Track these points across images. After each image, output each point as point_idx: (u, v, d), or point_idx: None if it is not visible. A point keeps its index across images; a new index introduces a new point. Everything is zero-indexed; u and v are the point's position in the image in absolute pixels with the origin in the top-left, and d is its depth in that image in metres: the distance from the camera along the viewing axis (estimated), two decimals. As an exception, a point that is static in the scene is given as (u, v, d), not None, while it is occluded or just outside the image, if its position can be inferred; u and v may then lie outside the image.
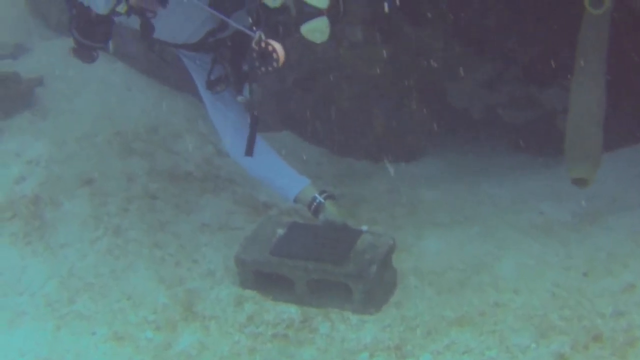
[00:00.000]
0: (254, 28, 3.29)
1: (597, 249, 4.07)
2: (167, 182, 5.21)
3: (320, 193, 4.06)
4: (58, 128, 5.72)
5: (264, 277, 4.03)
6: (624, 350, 3.09)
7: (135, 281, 4.27)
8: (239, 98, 3.68)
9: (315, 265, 3.80)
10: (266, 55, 3.28)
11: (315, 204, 4.05)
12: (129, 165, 5.32)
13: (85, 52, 3.67)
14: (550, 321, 3.49)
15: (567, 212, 4.65)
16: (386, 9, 4.67)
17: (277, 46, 3.24)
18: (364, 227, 4.02)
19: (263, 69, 3.32)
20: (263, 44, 3.24)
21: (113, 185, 5.08)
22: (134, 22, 3.54)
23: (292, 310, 3.89)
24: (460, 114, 6.06)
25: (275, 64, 3.27)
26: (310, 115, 6.06)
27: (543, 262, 4.11)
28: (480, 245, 4.40)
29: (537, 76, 5.70)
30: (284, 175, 4.13)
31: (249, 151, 3.86)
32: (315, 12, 3.32)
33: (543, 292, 3.77)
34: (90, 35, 3.58)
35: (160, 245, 4.58)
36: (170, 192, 5.12)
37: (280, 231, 4.18)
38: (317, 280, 3.84)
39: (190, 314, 3.97)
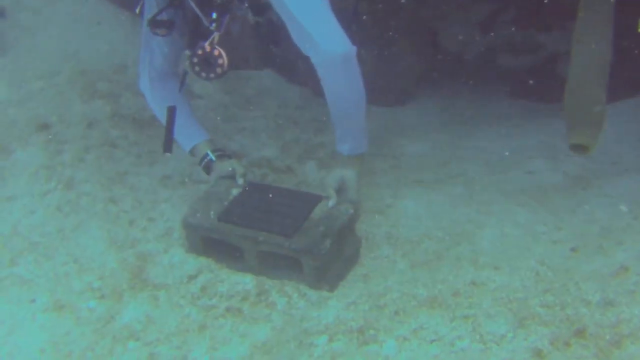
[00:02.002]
0: (214, 25, 3.29)
1: (589, 221, 3.68)
2: (130, 129, 4.83)
3: (214, 151, 3.87)
4: (17, 66, 5.34)
5: (213, 244, 3.69)
6: (608, 351, 2.72)
7: (84, 242, 3.93)
8: (186, 52, 3.41)
9: (265, 236, 3.48)
10: (211, 61, 3.31)
11: (206, 160, 3.89)
12: (90, 109, 4.95)
13: None
14: (530, 307, 3.11)
15: (560, 174, 4.24)
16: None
17: (226, 58, 3.28)
18: (331, 202, 3.58)
19: (204, 74, 3.36)
20: (216, 51, 3.29)
21: (71, 132, 4.72)
22: None
23: (247, 281, 3.51)
24: (453, 57, 5.57)
25: (219, 70, 3.34)
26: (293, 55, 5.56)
27: (529, 232, 3.73)
28: (462, 210, 4.02)
29: (536, 18, 5.16)
30: (184, 127, 3.88)
31: (168, 147, 3.71)
32: None
33: (526, 270, 3.39)
34: None
35: (116, 201, 4.22)
36: (133, 139, 4.75)
37: (235, 192, 3.81)
38: (267, 252, 3.50)
39: (139, 281, 3.63)
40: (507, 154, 4.69)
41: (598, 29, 3.76)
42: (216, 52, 3.30)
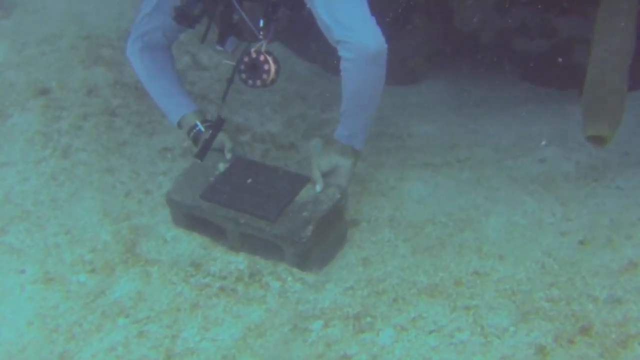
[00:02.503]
0: (262, 33, 3.20)
1: (599, 213, 3.53)
2: (132, 97, 4.68)
3: (203, 122, 3.73)
4: (20, 28, 5.21)
5: (197, 221, 3.61)
6: (614, 351, 2.59)
7: (77, 212, 3.81)
8: (217, 47, 3.32)
9: (247, 219, 3.38)
10: (258, 68, 3.23)
11: (194, 131, 3.75)
12: (91, 75, 4.81)
13: None
14: (534, 301, 2.99)
15: (572, 163, 4.09)
16: None
17: (273, 68, 3.24)
18: (318, 187, 3.44)
19: (250, 82, 3.27)
20: (262, 57, 3.21)
21: (70, 98, 4.59)
22: None
23: (240, 260, 3.43)
24: (468, 38, 5.39)
25: (261, 82, 3.26)
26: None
27: (537, 222, 3.59)
28: (469, 196, 3.88)
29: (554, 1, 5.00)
30: (172, 96, 3.82)
31: (202, 155, 3.57)
32: None
33: (532, 262, 3.26)
34: None
35: (112, 171, 4.11)
36: (134, 109, 4.61)
37: (222, 167, 3.70)
38: (249, 235, 3.39)
39: (131, 255, 3.53)
40: (518, 139, 4.49)
41: (622, 17, 3.60)
42: (262, 58, 3.22)
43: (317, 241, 3.33)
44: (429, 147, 4.51)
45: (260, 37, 3.22)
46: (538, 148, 4.35)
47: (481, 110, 5.17)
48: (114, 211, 3.81)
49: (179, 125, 3.82)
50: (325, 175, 3.43)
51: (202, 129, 3.72)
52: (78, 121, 4.39)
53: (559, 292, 3.01)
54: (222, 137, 3.74)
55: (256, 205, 3.40)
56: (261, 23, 3.20)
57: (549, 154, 4.29)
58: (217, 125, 3.59)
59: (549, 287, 3.06)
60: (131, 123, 4.45)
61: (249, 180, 3.53)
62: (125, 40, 4.96)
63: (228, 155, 3.72)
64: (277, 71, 3.27)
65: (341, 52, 3.18)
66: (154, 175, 4.09)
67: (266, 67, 3.23)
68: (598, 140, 3.40)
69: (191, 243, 3.56)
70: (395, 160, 4.36)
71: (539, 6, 5.26)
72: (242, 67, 3.26)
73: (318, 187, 3.42)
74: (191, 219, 3.62)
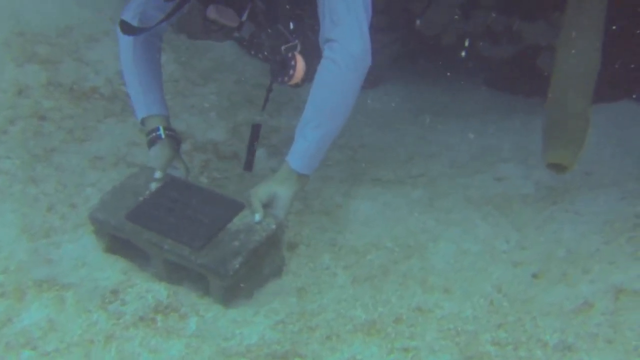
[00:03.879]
0: (294, 35, 3.17)
1: (556, 241, 3.26)
2: (66, 100, 4.35)
3: (166, 129, 3.49)
4: (-49, 21, 4.76)
5: (122, 243, 3.30)
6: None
7: (-7, 227, 3.40)
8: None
9: (171, 245, 3.09)
10: (285, 66, 3.17)
11: (154, 134, 3.50)
12: (23, 74, 4.46)
13: None
14: (480, 344, 2.72)
15: (531, 182, 3.83)
16: None
17: (300, 65, 3.16)
18: (257, 217, 3.17)
19: (279, 79, 3.21)
20: (290, 54, 3.16)
21: (-2, 99, 4.16)
22: None
23: (161, 289, 3.08)
24: (430, 41, 5.09)
25: (286, 79, 3.18)
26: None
27: (489, 250, 3.33)
28: (419, 217, 3.62)
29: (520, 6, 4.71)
30: (148, 92, 3.54)
31: (249, 166, 3.55)
32: None
33: (480, 297, 3.01)
34: None
35: (37, 181, 3.77)
36: (67, 112, 4.27)
37: (154, 186, 3.40)
38: (174, 262, 3.12)
39: (46, 278, 3.14)
40: (476, 153, 4.21)
41: (587, 31, 3.30)
42: (290, 55, 3.16)
43: (246, 275, 3.07)
44: (381, 160, 4.23)
45: (295, 43, 3.19)
46: (496, 164, 4.03)
47: (440, 119, 4.90)
48: (33, 226, 3.49)
49: (142, 122, 3.55)
50: (264, 205, 3.18)
51: (162, 136, 3.48)
52: (4, 125, 4.04)
53: (507, 334, 2.74)
54: (161, 154, 3.51)
55: (183, 231, 3.12)
56: (292, 26, 3.19)
57: (508, 171, 4.01)
58: (253, 133, 3.54)
59: (496, 328, 2.78)
60: (62, 128, 4.12)
61: (180, 203, 3.27)
62: (65, 37, 4.68)
63: (157, 174, 3.43)
64: (306, 73, 3.16)
65: (325, 52, 3.05)
66: (81, 187, 3.77)
67: (292, 63, 3.15)
68: (558, 168, 3.11)
69: (113, 267, 3.25)
70: (344, 174, 4.07)
71: (506, 10, 4.93)
72: (275, 65, 3.21)
73: (257, 217, 3.16)
74: (115, 241, 3.33)
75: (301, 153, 3.16)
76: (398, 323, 2.89)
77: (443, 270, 3.18)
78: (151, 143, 3.54)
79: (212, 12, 3.05)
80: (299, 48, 3.17)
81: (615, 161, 3.89)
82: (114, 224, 3.27)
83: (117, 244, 3.36)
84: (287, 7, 3.22)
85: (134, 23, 3.37)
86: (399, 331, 2.85)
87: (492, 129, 4.67)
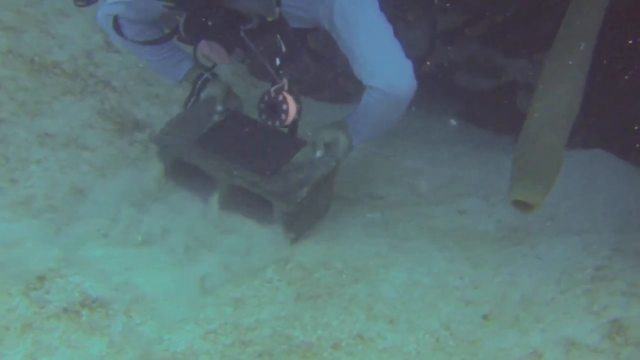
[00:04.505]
0: (280, 72, 3.15)
1: (512, 284, 3.11)
2: (24, 71, 4.12)
3: (207, 70, 3.59)
4: None
5: (184, 167, 3.46)
6: None
7: None
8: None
9: (240, 171, 3.31)
10: (277, 109, 3.22)
11: (202, 79, 3.69)
12: (-18, 42, 4.16)
13: None
14: (418, 383, 2.48)
15: (493, 220, 3.67)
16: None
17: (292, 107, 3.20)
18: (318, 153, 3.47)
19: (270, 122, 3.27)
20: (281, 97, 3.18)
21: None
22: None
23: (92, 284, 2.87)
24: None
25: (280, 123, 3.24)
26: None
27: (441, 284, 3.16)
28: (372, 241, 3.40)
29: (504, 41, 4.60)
30: (174, 55, 3.74)
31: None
32: None
33: (426, 332, 2.84)
34: None
35: (-23, 152, 3.47)
36: (23, 84, 4.05)
37: (217, 118, 3.52)
38: (239, 187, 3.32)
39: (-29, 257, 2.90)
40: (442, 183, 4.06)
41: (571, 72, 3.17)
42: (281, 97, 3.21)
43: (307, 205, 3.31)
44: (343, 178, 4.02)
45: (280, 77, 3.20)
46: (460, 197, 3.89)
47: (409, 144, 4.72)
48: (-35, 201, 3.21)
49: (184, 78, 3.78)
50: (325, 144, 3.44)
51: (209, 77, 3.68)
52: (-48, 90, 3.78)
53: (447, 376, 2.54)
54: (218, 88, 3.65)
55: (251, 160, 3.34)
56: (277, 61, 3.14)
57: (471, 205, 3.85)
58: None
59: (437, 368, 2.58)
60: (15, 100, 3.90)
61: (244, 135, 3.44)
62: (34, 7, 4.47)
63: (218, 107, 3.56)
64: (298, 111, 3.27)
65: (368, 90, 3.26)
66: (25, 163, 3.57)
67: (284, 107, 3.21)
68: (524, 206, 2.96)
69: (47, 253, 3.01)
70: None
71: (489, 43, 4.81)
72: (262, 106, 3.27)
73: (319, 153, 3.44)
74: (176, 166, 3.50)
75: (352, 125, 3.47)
76: (336, 349, 2.72)
77: (390, 300, 3.01)
78: (202, 87, 3.69)
79: (204, 48, 3.07)
80: (286, 86, 3.19)
81: (582, 210, 3.76)
82: (183, 148, 3.43)
83: (177, 169, 3.51)
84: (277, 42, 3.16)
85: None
86: (336, 358, 2.66)
87: (461, 161, 4.51)
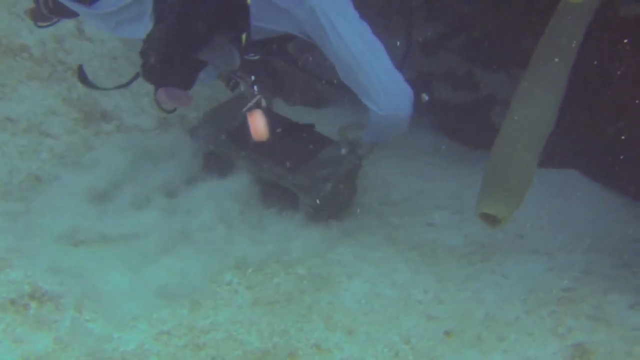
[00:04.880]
0: (255, 87, 3.17)
1: (476, 301, 3.04)
2: (-6, 53, 3.93)
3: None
4: None
5: (215, 159, 3.64)
6: None
7: None
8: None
9: (269, 164, 3.52)
10: (247, 127, 3.16)
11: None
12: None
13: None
14: (372, 397, 2.39)
15: (461, 235, 3.60)
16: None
17: (258, 124, 3.13)
18: (344, 150, 3.64)
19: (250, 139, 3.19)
20: (249, 114, 3.14)
21: None
22: None
23: (44, 276, 2.71)
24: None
25: (255, 138, 3.17)
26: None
27: (404, 297, 3.09)
28: (338, 249, 3.33)
29: (485, 55, 4.53)
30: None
31: None
32: None
33: (385, 345, 2.77)
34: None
35: None
36: (-10, 65, 3.85)
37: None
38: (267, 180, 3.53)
39: None
40: (412, 194, 3.98)
41: (547, 86, 3.10)
42: (249, 115, 3.16)
43: (330, 199, 3.47)
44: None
45: (255, 93, 3.17)
46: (430, 210, 3.81)
47: (383, 153, 4.62)
48: None
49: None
50: (350, 142, 3.56)
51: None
52: None
53: (403, 392, 2.45)
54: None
55: (280, 154, 3.49)
56: (252, 78, 3.17)
57: (441, 219, 3.77)
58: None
59: (394, 383, 2.49)
60: (-21, 83, 3.74)
61: (278, 130, 3.44)
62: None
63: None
64: (267, 125, 3.17)
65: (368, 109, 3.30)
66: (-18, 147, 3.39)
67: (252, 125, 3.15)
68: (491, 220, 2.88)
69: (6, 234, 2.87)
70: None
71: (469, 55, 4.74)
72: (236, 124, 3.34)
73: (344, 150, 3.56)
74: (210, 158, 3.65)
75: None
76: (292, 358, 2.63)
77: (351, 310, 2.93)
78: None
79: (161, 96, 2.92)
80: (263, 103, 3.15)
81: (551, 229, 3.70)
82: (215, 140, 3.61)
83: (210, 159, 3.65)
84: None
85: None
86: (291, 368, 2.55)
87: (434, 173, 4.43)
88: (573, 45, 3.15)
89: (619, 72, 4.15)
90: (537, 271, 3.29)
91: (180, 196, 3.38)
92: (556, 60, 3.12)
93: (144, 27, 2.81)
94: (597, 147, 4.32)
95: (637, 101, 4.07)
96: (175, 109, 3.13)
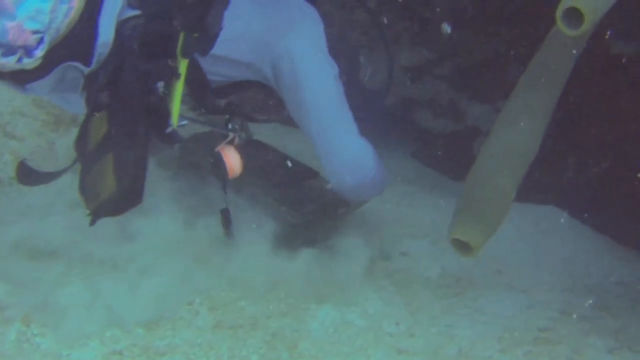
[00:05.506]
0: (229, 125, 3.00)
1: (449, 336, 2.91)
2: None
3: None
4: None
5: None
6: None
7: None
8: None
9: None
10: (219, 165, 3.00)
11: None
12: None
13: None
14: None
15: (437, 266, 3.47)
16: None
17: (232, 160, 2.99)
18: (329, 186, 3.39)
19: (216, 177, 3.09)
20: (221, 151, 2.96)
21: None
22: None
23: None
24: (369, 96, 4.73)
25: (226, 177, 3.02)
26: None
27: (375, 328, 2.95)
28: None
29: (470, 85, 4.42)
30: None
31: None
32: None
33: (350, 378, 2.51)
34: None
35: None
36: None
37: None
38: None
39: None
40: (386, 221, 3.83)
41: (530, 116, 2.97)
42: (223, 152, 3.00)
43: (311, 221, 3.33)
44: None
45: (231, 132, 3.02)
46: (405, 238, 3.66)
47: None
48: None
49: None
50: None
51: None
52: None
53: None
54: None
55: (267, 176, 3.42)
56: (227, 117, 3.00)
57: (416, 248, 3.62)
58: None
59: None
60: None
61: (260, 160, 3.47)
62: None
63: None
64: (243, 165, 3.03)
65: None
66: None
67: (226, 163, 2.99)
68: (463, 247, 2.72)
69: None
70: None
71: (457, 84, 4.62)
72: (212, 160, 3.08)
73: (329, 186, 3.32)
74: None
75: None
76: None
77: (318, 339, 2.78)
78: None
79: None
80: (236, 140, 3.02)
81: (530, 267, 3.57)
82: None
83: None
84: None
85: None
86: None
87: (412, 201, 4.29)
88: (561, 74, 3.02)
89: (607, 111, 4.04)
90: (514, 309, 3.16)
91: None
92: (543, 87, 2.98)
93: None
94: (581, 185, 4.20)
95: (624, 141, 3.96)
96: None
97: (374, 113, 4.57)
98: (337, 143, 3.15)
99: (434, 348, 2.84)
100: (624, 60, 3.95)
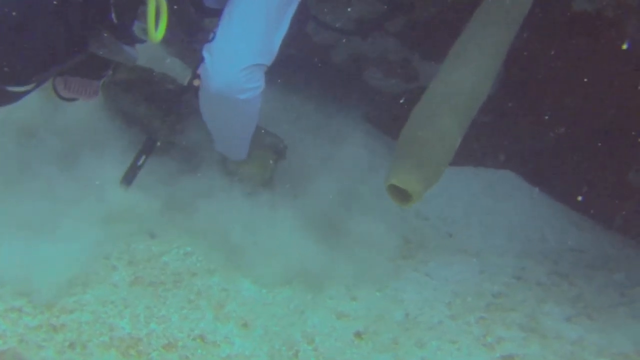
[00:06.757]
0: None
1: (395, 301, 2.65)
2: None
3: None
4: None
5: None
6: None
7: None
8: None
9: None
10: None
11: None
12: None
13: None
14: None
15: (384, 227, 3.07)
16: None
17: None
18: None
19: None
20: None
21: None
22: None
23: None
24: (320, 53, 4.41)
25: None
26: None
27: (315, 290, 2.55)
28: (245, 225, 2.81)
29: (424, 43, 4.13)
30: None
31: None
32: None
33: (284, 344, 2.45)
34: None
35: None
36: None
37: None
38: None
39: None
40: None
41: (479, 56, 2.66)
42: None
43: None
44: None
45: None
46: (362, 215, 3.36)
47: (309, 137, 4.17)
48: None
49: None
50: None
51: None
52: None
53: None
54: None
55: None
56: None
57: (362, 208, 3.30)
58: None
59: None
60: None
61: None
62: None
63: None
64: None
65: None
66: None
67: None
68: (401, 195, 2.41)
69: None
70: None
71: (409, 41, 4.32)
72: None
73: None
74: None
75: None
76: (168, 350, 2.15)
77: (249, 300, 2.46)
78: None
79: (59, 84, 2.49)
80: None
81: (482, 230, 3.32)
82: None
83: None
84: None
85: None
86: (165, 360, 2.07)
87: (362, 167, 3.98)
88: (517, 11, 2.73)
89: (566, 73, 3.79)
90: (465, 273, 2.91)
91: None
92: (497, 24, 2.69)
93: None
94: (537, 151, 3.96)
95: (583, 107, 3.72)
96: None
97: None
98: (237, 31, 2.68)
99: (377, 312, 2.55)
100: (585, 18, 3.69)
